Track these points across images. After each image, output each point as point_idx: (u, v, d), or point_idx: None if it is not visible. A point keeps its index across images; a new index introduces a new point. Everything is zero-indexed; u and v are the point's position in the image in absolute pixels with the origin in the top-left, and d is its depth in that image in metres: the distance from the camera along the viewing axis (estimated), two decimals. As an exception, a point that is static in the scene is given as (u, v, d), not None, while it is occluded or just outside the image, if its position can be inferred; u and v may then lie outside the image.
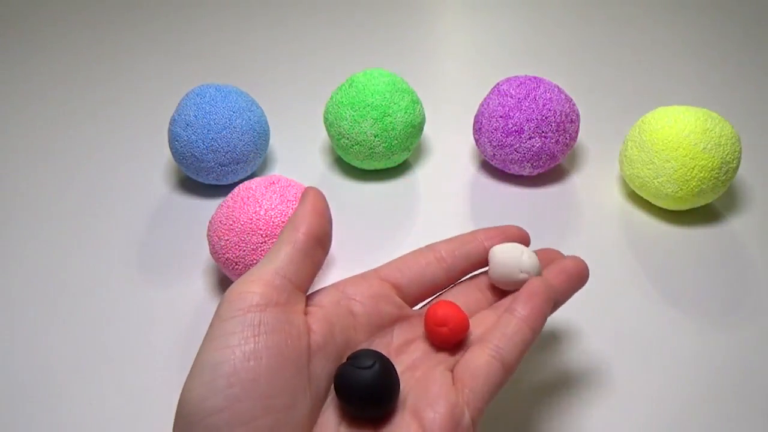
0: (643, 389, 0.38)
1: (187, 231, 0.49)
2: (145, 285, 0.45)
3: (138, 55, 0.71)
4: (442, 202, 0.52)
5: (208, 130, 0.48)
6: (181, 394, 0.26)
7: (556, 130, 0.49)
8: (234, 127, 0.49)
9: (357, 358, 0.27)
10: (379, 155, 0.51)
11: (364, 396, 0.26)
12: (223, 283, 0.45)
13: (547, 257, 0.35)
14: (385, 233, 0.49)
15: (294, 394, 0.26)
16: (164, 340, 0.41)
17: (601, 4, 0.79)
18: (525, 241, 0.35)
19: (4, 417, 0.37)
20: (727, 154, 0.46)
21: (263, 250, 0.40)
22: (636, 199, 0.51)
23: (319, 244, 0.30)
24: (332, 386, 0.28)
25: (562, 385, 0.38)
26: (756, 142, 0.56)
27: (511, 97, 0.50)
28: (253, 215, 0.40)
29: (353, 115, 0.50)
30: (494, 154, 0.51)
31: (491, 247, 0.34)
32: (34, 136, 0.59)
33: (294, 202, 0.41)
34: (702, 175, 0.45)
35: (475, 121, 0.52)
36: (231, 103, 0.49)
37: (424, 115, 0.53)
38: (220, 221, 0.41)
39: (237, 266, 0.41)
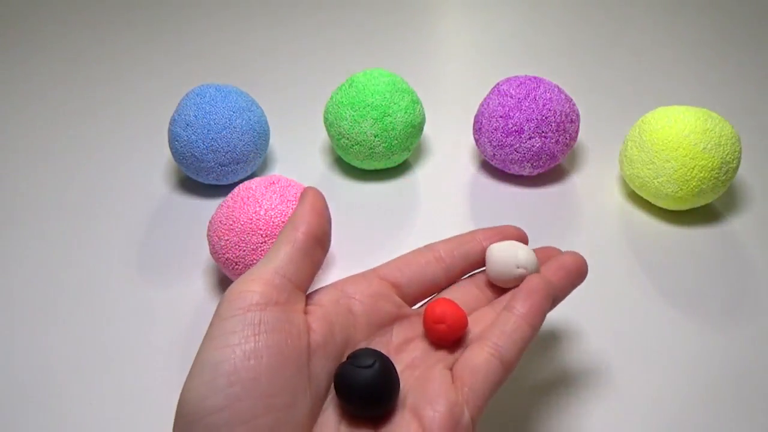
0: (643, 389, 0.38)
1: (187, 231, 0.49)
2: (145, 285, 0.45)
3: (138, 55, 0.71)
4: (442, 202, 0.52)
5: (208, 130, 0.48)
6: (182, 393, 0.26)
7: (556, 130, 0.49)
8: (234, 127, 0.49)
9: (357, 357, 0.27)
10: (379, 155, 0.51)
11: (365, 395, 0.26)
12: (223, 283, 0.45)
13: (546, 255, 0.35)
14: (385, 233, 0.49)
15: (294, 393, 0.26)
16: (164, 339, 0.41)
17: (601, 4, 0.79)
18: (523, 240, 0.35)
19: (4, 417, 0.37)
20: (727, 154, 0.46)
21: (263, 250, 0.40)
22: (636, 199, 0.51)
23: (319, 243, 0.30)
24: (332, 385, 0.28)
25: (562, 385, 0.38)
26: (756, 142, 0.56)
27: (511, 97, 0.50)
28: (253, 215, 0.40)
29: (353, 115, 0.50)
30: (494, 154, 0.51)
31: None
32: (34, 136, 0.59)
33: (294, 202, 0.41)
34: (702, 175, 0.45)
35: (475, 121, 0.52)
36: (231, 103, 0.49)
37: (424, 115, 0.53)
38: (220, 221, 0.41)
39: (237, 266, 0.41)
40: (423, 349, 0.31)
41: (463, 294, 0.34)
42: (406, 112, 0.50)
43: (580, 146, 0.57)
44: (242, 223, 0.40)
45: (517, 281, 0.33)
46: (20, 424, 0.37)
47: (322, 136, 0.58)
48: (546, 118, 0.49)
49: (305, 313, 0.29)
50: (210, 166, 0.49)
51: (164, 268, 0.46)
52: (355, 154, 0.51)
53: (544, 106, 0.49)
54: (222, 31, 0.75)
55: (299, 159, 0.56)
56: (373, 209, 0.51)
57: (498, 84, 0.52)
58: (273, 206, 0.41)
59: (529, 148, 0.49)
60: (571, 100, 0.51)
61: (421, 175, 0.54)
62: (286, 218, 0.40)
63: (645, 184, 0.48)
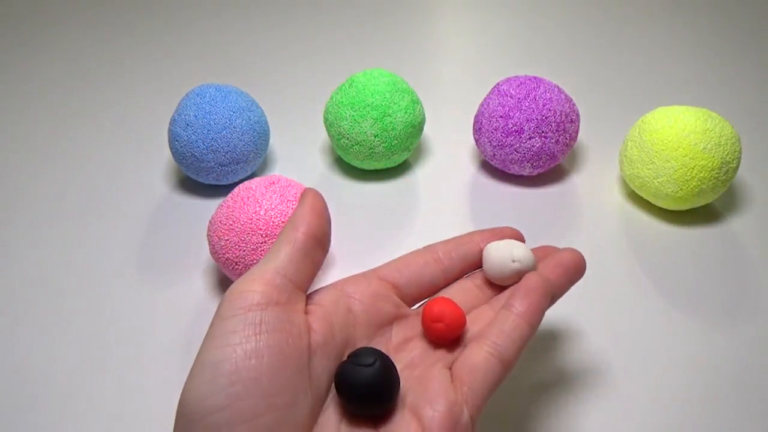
0: (643, 389, 0.38)
1: (187, 231, 0.49)
2: (145, 285, 0.45)
3: (138, 56, 0.71)
4: (442, 202, 0.52)
5: (208, 130, 0.48)
6: (182, 393, 0.26)
7: (556, 130, 0.49)
8: (234, 127, 0.49)
9: (358, 355, 0.27)
10: (379, 155, 0.51)
11: (366, 393, 0.27)
12: (223, 283, 0.45)
13: (544, 254, 0.35)
14: (385, 233, 0.49)
15: (295, 393, 0.26)
16: (164, 339, 0.41)
17: (601, 4, 0.79)
18: (520, 240, 0.36)
19: (5, 417, 0.37)
20: (727, 154, 0.46)
21: (263, 250, 0.40)
22: (636, 199, 0.51)
23: (319, 244, 0.30)
24: (332, 385, 0.28)
25: (562, 384, 0.38)
26: (756, 142, 0.56)
27: (511, 97, 0.50)
28: (253, 215, 0.40)
29: (353, 115, 0.50)
30: (494, 154, 0.51)
31: None
32: (34, 136, 0.59)
33: (294, 202, 0.41)
34: (702, 175, 0.45)
35: (475, 121, 0.52)
36: (231, 103, 0.49)
37: (424, 115, 0.53)
38: (220, 221, 0.41)
39: (237, 266, 0.41)
40: (422, 349, 0.31)
41: (461, 293, 0.34)
42: (406, 112, 0.50)
43: (580, 146, 0.57)
44: (242, 223, 0.40)
45: (513, 277, 0.33)
46: (21, 425, 0.37)
47: (322, 136, 0.58)
48: (546, 118, 0.49)
49: (306, 313, 0.29)
50: (210, 166, 0.49)
51: (164, 268, 0.46)
52: (355, 154, 0.51)
53: (544, 106, 0.49)
54: (222, 31, 0.75)
55: (299, 159, 0.56)
56: (373, 209, 0.51)
57: (498, 84, 0.52)
58: (273, 206, 0.41)
59: (529, 148, 0.49)
60: (571, 100, 0.51)
61: (421, 175, 0.54)
62: (286, 218, 0.40)
63: (645, 184, 0.48)
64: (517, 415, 0.37)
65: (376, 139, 0.50)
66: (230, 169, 0.50)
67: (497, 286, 0.34)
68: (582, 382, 0.39)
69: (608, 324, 0.42)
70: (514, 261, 0.33)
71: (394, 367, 0.28)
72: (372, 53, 0.70)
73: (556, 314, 0.42)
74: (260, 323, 0.26)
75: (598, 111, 0.60)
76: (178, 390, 0.28)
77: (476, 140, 0.52)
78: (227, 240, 0.40)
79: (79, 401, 0.38)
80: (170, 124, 0.50)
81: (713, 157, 0.45)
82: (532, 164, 0.50)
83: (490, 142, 0.51)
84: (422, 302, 0.34)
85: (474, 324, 0.32)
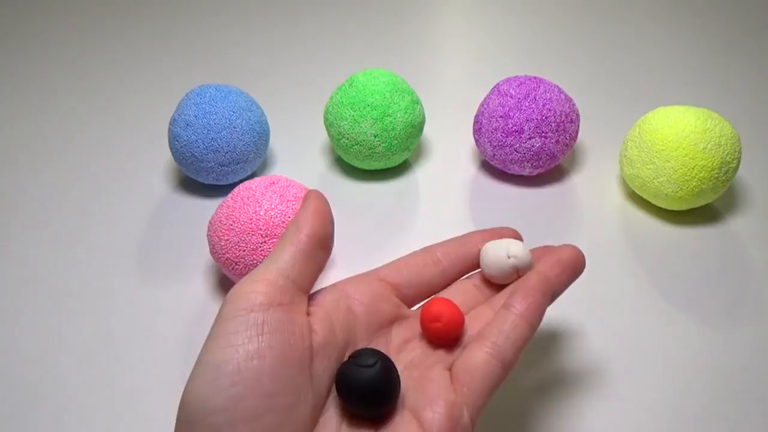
0: (643, 389, 0.38)
1: (187, 231, 0.49)
2: (145, 285, 0.45)
3: (138, 56, 0.71)
4: (442, 202, 0.52)
5: (208, 130, 0.48)
6: (184, 393, 0.26)
7: (556, 130, 0.49)
8: (234, 127, 0.49)
9: (359, 356, 0.27)
10: (379, 155, 0.51)
11: (367, 394, 0.27)
12: (223, 283, 0.45)
13: (543, 254, 0.35)
14: (385, 233, 0.49)
15: (297, 394, 0.26)
16: (164, 339, 0.41)
17: (601, 4, 0.79)
18: (518, 240, 0.36)
19: (6, 417, 0.37)
20: (727, 154, 0.46)
21: (263, 250, 0.40)
22: (636, 199, 0.51)
23: (322, 246, 0.30)
24: (333, 386, 0.28)
25: (562, 385, 0.38)
26: (756, 142, 0.56)
27: (511, 97, 0.50)
28: (253, 215, 0.40)
29: (353, 115, 0.50)
30: (494, 154, 0.51)
31: None
32: (34, 136, 0.59)
33: (294, 202, 0.41)
34: (702, 175, 0.45)
35: (475, 121, 0.52)
36: (231, 103, 0.49)
37: (424, 115, 0.53)
38: (220, 221, 0.41)
39: (237, 266, 0.41)
40: (422, 350, 0.31)
41: (460, 293, 0.34)
42: (406, 112, 0.50)
43: (580, 146, 0.57)
44: (242, 223, 0.40)
45: (511, 275, 0.33)
46: (22, 425, 0.37)
47: (322, 136, 0.58)
48: (546, 118, 0.49)
49: (307, 314, 0.29)
50: (210, 166, 0.49)
51: (164, 268, 0.46)
52: (355, 154, 0.51)
53: (544, 106, 0.49)
54: (222, 31, 0.75)
55: (299, 159, 0.56)
56: (373, 209, 0.51)
57: (498, 84, 0.52)
58: (273, 206, 0.41)
59: (529, 148, 0.49)
60: (571, 100, 0.51)
61: (421, 175, 0.54)
62: (286, 218, 0.40)
63: (645, 184, 0.48)
64: (516, 416, 0.37)
65: (376, 139, 0.50)
66: (230, 169, 0.50)
67: (496, 286, 0.34)
68: (582, 382, 0.39)
69: (608, 324, 0.42)
70: (510, 257, 0.33)
71: (395, 368, 0.28)
72: (372, 53, 0.70)
73: (556, 314, 0.42)
74: (262, 324, 0.26)
75: (598, 111, 0.60)
76: (178, 390, 0.28)
77: (476, 140, 0.52)
78: (227, 240, 0.40)
79: (79, 401, 0.38)
80: (170, 124, 0.50)
81: (713, 157, 0.45)
82: (532, 164, 0.50)
83: (490, 142, 0.51)
84: (421, 303, 0.34)
85: (473, 324, 0.32)
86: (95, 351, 0.41)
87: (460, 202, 0.51)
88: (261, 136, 0.51)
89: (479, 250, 0.34)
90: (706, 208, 0.50)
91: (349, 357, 0.28)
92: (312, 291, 0.31)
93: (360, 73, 0.52)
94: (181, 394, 0.26)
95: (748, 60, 0.68)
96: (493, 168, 0.54)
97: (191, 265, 0.46)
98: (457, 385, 0.28)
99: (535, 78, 0.51)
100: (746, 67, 0.67)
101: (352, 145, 0.51)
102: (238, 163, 0.50)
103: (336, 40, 0.73)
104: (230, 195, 0.42)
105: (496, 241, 0.34)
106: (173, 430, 0.26)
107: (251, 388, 0.25)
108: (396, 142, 0.50)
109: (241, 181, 0.52)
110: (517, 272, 0.33)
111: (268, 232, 0.40)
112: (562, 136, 0.50)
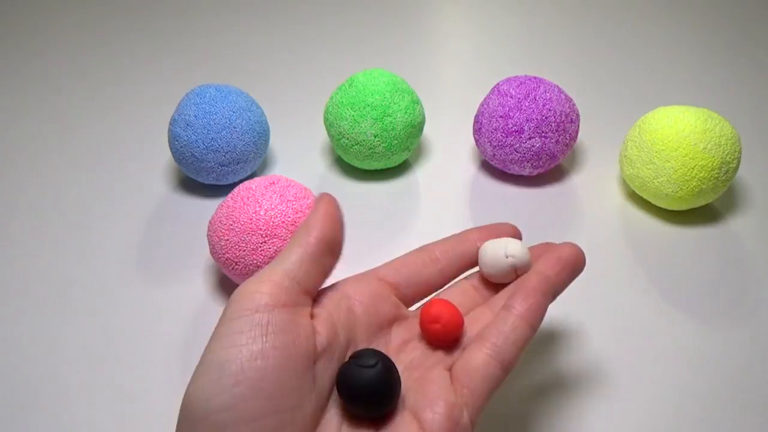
0: (643, 389, 0.38)
1: (187, 231, 0.49)
2: (145, 285, 0.45)
3: (138, 56, 0.71)
4: (442, 202, 0.52)
5: (208, 130, 0.48)
6: (187, 392, 0.26)
7: (556, 130, 0.49)
8: (234, 127, 0.49)
9: (360, 357, 0.27)
10: (379, 155, 0.51)
11: (368, 394, 0.27)
12: (223, 283, 0.45)
13: (543, 251, 0.35)
14: (385, 233, 0.49)
15: (300, 394, 0.26)
16: (164, 339, 0.41)
17: (601, 4, 0.79)
18: (517, 237, 0.35)
19: (6, 417, 0.37)
20: (727, 154, 0.46)
21: (263, 250, 0.40)
22: (636, 199, 0.51)
23: (330, 250, 0.30)
24: (335, 386, 0.28)
25: (562, 385, 0.38)
26: (756, 142, 0.56)
27: (511, 97, 0.50)
28: (253, 215, 0.40)
29: (353, 115, 0.50)
30: (494, 154, 0.51)
31: None
32: (34, 136, 0.59)
33: (294, 202, 0.41)
34: (702, 175, 0.45)
35: (475, 121, 0.52)
36: (231, 103, 0.49)
37: (424, 115, 0.53)
38: (220, 221, 0.41)
39: (237, 266, 0.41)
40: (421, 351, 0.31)
41: (459, 294, 0.34)
42: (406, 112, 0.50)
43: (580, 146, 0.57)
44: (242, 223, 0.40)
45: (509, 274, 0.33)
46: (22, 425, 0.37)
47: (322, 136, 0.58)
48: (546, 118, 0.49)
49: (311, 316, 0.29)
50: (210, 166, 0.49)
51: (164, 268, 0.46)
52: (355, 154, 0.51)
53: (544, 106, 0.49)
54: (222, 31, 0.75)
55: (299, 159, 0.56)
56: (373, 209, 0.51)
57: (498, 84, 0.52)
58: (273, 206, 0.41)
59: (529, 148, 0.49)
60: (571, 100, 0.51)
61: (421, 175, 0.54)
62: (286, 218, 0.40)
63: (645, 184, 0.48)
64: (516, 416, 0.37)
65: (376, 139, 0.50)
66: (230, 169, 0.50)
67: (495, 287, 0.34)
68: (582, 382, 0.39)
69: (608, 324, 0.42)
70: (507, 256, 0.33)
71: (396, 368, 0.28)
72: (372, 53, 0.70)
73: (556, 314, 0.42)
74: (267, 325, 0.26)
75: (598, 111, 0.60)
76: (178, 389, 0.28)
77: (476, 140, 0.52)
78: (227, 240, 0.40)
79: (79, 401, 0.38)
80: (170, 124, 0.50)
81: (713, 157, 0.45)
82: (532, 164, 0.50)
83: (490, 142, 0.51)
84: (420, 303, 0.34)
85: (472, 325, 0.32)
86: (95, 351, 0.41)
87: (460, 202, 0.51)
88: (261, 136, 0.51)
89: (477, 248, 0.34)
90: (706, 208, 0.50)
91: (350, 357, 0.28)
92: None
93: (360, 73, 0.52)
94: (181, 394, 0.26)
95: (748, 60, 0.68)
96: (493, 168, 0.54)
97: (191, 265, 0.46)
98: (457, 386, 0.28)
99: (535, 78, 0.51)
100: (746, 67, 0.67)
101: (352, 145, 0.51)
102: (238, 163, 0.50)
103: (336, 41, 0.73)
104: (230, 195, 0.42)
105: (495, 240, 0.34)
106: (174, 430, 0.26)
107: (254, 388, 0.25)
108: (396, 142, 0.50)
109: (241, 181, 0.52)
110: (516, 272, 0.33)
111: (268, 232, 0.40)
112: (562, 136, 0.50)
